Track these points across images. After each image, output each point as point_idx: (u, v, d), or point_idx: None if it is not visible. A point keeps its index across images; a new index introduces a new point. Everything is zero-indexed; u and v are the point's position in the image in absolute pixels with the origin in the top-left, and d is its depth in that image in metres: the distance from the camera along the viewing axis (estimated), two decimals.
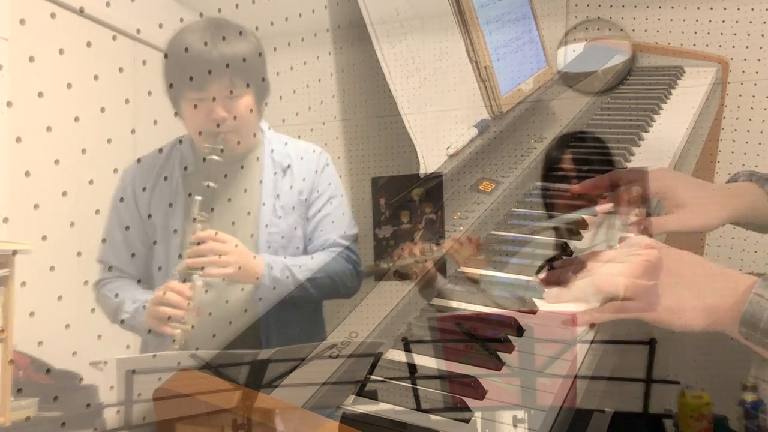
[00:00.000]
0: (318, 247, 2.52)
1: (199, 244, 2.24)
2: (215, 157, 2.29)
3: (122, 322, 2.24)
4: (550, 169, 2.53)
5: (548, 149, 2.62)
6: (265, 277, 2.34)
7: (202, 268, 2.23)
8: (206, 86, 2.28)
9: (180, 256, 2.27)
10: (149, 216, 2.31)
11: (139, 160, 2.34)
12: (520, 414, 2.20)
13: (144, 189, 2.33)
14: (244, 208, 2.42)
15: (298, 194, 2.49)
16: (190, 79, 2.27)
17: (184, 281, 2.21)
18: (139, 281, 2.30)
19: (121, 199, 2.32)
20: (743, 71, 3.03)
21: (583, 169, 2.47)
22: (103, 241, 2.24)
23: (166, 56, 2.31)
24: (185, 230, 2.29)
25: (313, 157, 2.57)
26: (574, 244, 2.63)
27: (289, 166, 2.49)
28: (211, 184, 2.27)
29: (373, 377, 2.18)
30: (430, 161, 3.31)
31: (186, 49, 2.29)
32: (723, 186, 2.94)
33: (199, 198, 2.26)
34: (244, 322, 2.39)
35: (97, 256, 2.27)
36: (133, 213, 2.32)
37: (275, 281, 2.36)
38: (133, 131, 2.30)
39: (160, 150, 2.38)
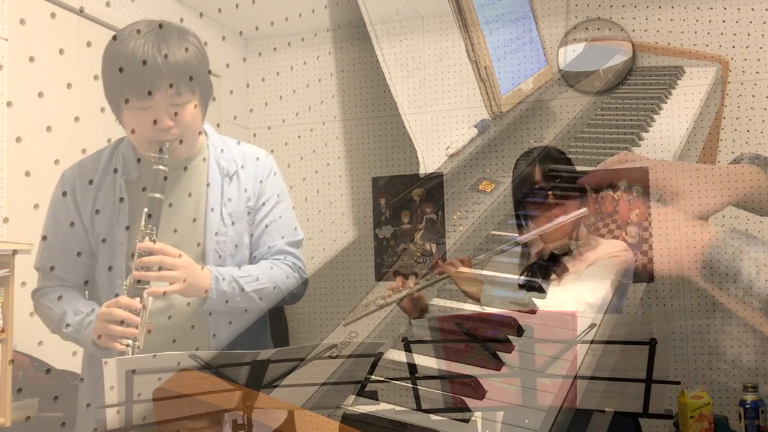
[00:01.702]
0: (264, 253, 2.43)
1: (148, 255, 2.14)
2: (162, 167, 2.18)
3: (65, 334, 2.15)
4: (521, 185, 2.57)
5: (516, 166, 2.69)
6: (212, 291, 2.25)
7: (149, 283, 2.14)
8: (149, 95, 2.15)
9: (135, 264, 2.16)
10: (96, 213, 2.21)
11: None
12: (520, 414, 2.20)
13: (91, 182, 2.22)
14: (190, 215, 2.33)
15: (246, 201, 2.40)
16: (126, 78, 2.15)
17: (134, 296, 2.11)
18: (86, 282, 2.22)
19: (64, 194, 2.21)
20: (743, 71, 3.04)
21: (555, 182, 2.51)
22: (44, 238, 2.14)
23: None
24: (129, 239, 2.19)
25: (260, 163, 2.46)
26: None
27: (236, 171, 2.40)
28: (158, 195, 2.16)
29: (373, 377, 2.18)
30: (430, 161, 3.31)
31: (127, 56, 2.15)
32: (724, 168, 2.95)
33: (146, 210, 2.16)
34: (193, 336, 2.34)
35: (34, 263, 2.16)
36: (74, 215, 2.21)
37: (223, 294, 2.28)
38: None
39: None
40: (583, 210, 2.48)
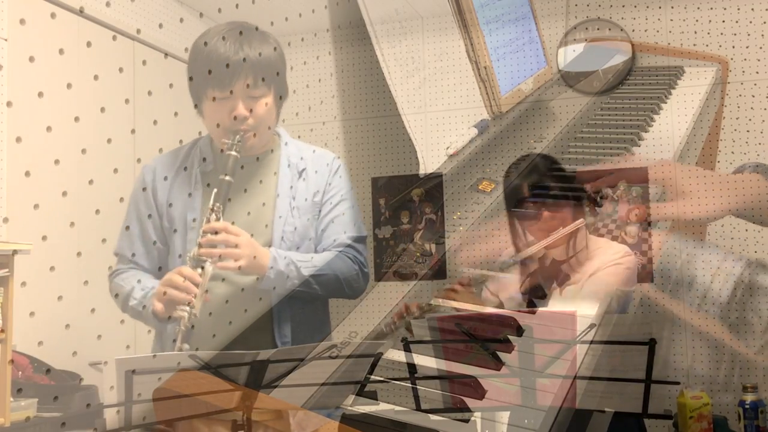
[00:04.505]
0: (327, 246, 2.54)
1: (213, 234, 2.29)
2: (234, 153, 2.33)
3: (131, 309, 2.28)
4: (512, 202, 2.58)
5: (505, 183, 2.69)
6: (270, 270, 2.36)
7: (219, 257, 2.27)
8: (228, 84, 2.34)
9: (199, 242, 2.32)
10: (169, 207, 2.38)
11: (160, 150, 2.42)
12: (520, 414, 2.20)
13: (165, 178, 2.38)
14: (260, 205, 2.46)
15: (312, 195, 2.53)
16: (209, 73, 2.34)
17: (195, 268, 2.24)
18: (160, 268, 2.36)
19: (144, 189, 2.39)
20: (743, 71, 3.04)
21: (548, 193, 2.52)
22: (127, 228, 2.33)
23: (186, 49, 2.38)
24: (201, 222, 2.33)
25: (328, 161, 2.61)
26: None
27: (304, 169, 2.55)
28: (228, 177, 2.31)
29: (373, 377, 2.18)
30: (429, 161, 3.31)
31: (206, 44, 2.35)
32: (728, 176, 2.95)
33: (216, 190, 2.30)
34: (251, 316, 2.41)
35: (114, 248, 2.35)
36: (152, 206, 2.38)
37: (279, 275, 2.38)
38: (133, 131, 2.30)
39: (181, 142, 2.47)
40: (580, 221, 2.49)
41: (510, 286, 2.58)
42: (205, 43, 2.35)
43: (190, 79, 2.37)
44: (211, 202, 2.29)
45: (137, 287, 2.30)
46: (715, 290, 2.76)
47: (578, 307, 2.37)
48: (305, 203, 2.49)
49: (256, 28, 2.47)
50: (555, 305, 2.45)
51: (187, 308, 2.18)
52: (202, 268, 2.23)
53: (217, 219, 2.29)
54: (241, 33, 2.40)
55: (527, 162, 2.59)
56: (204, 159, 2.42)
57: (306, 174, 2.54)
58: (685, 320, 2.80)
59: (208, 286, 2.25)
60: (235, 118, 2.35)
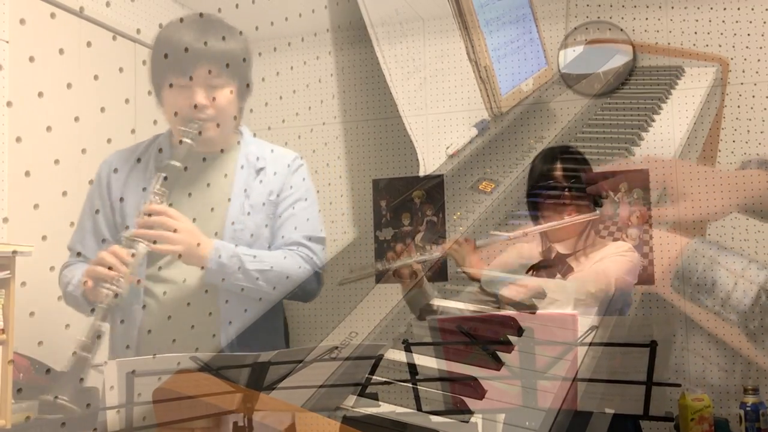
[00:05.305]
0: (280, 245, 2.46)
1: (151, 216, 2.23)
2: (188, 140, 2.26)
3: (68, 295, 2.22)
4: (539, 181, 2.56)
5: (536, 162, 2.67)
6: (211, 262, 2.27)
7: (154, 242, 2.21)
8: (188, 69, 2.26)
9: (137, 223, 2.26)
10: (121, 201, 2.31)
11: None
12: (520, 415, 2.20)
13: (116, 170, 2.32)
14: (213, 203, 2.40)
15: (268, 195, 2.46)
16: (168, 62, 2.28)
17: (128, 248, 2.17)
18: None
19: (98, 182, 2.33)
20: (743, 71, 3.04)
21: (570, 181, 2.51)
22: (72, 225, 2.27)
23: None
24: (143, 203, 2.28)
25: (287, 161, 2.53)
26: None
27: (263, 169, 2.48)
28: (177, 163, 2.25)
29: (374, 378, 2.18)
30: (429, 162, 3.30)
31: (171, 39, 2.29)
32: (731, 173, 2.94)
33: (163, 174, 2.23)
34: (198, 313, 2.37)
35: (67, 243, 2.29)
36: (105, 200, 2.31)
37: (222, 267, 2.29)
38: (133, 131, 2.30)
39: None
40: (596, 213, 2.48)
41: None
42: (165, 27, 2.29)
43: (150, 63, 2.30)
44: (157, 185, 2.22)
45: (76, 277, 2.23)
46: (737, 296, 2.70)
47: (580, 282, 2.37)
48: (260, 204, 2.42)
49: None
50: (557, 282, 2.45)
51: (113, 287, 2.12)
52: (135, 249, 2.17)
53: (159, 203, 2.22)
54: (202, 16, 2.34)
55: (557, 151, 2.58)
56: (160, 150, 2.34)
57: (264, 174, 2.46)
58: (700, 324, 2.75)
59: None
60: (195, 106, 2.27)
